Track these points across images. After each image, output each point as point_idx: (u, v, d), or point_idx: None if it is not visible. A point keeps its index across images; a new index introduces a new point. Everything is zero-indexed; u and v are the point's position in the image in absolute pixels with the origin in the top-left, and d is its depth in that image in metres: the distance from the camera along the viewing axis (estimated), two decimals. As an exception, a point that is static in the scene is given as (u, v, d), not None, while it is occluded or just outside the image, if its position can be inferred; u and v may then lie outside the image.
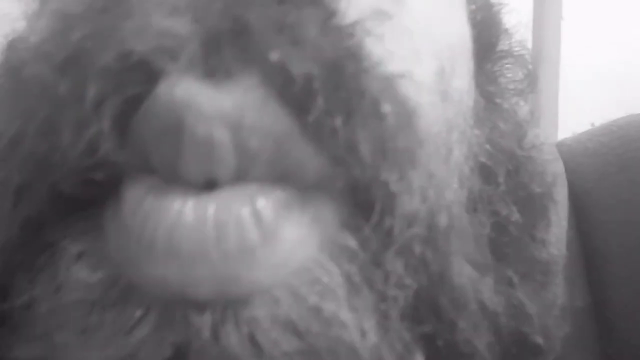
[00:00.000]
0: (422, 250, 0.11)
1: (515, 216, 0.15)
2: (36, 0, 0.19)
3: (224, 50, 0.10)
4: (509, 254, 0.14)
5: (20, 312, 0.10)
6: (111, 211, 0.10)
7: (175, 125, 0.10)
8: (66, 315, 0.10)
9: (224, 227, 0.10)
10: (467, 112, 0.14)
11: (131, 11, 0.10)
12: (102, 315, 0.10)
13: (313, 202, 0.10)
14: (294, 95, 0.10)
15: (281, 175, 0.10)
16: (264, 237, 0.10)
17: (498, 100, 0.16)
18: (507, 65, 0.17)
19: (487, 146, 0.14)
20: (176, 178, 0.10)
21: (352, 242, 0.11)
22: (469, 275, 0.13)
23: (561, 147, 0.30)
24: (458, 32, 0.15)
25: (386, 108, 0.11)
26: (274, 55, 0.09)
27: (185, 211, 0.10)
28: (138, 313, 0.10)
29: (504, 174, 0.15)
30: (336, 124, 0.10)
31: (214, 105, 0.10)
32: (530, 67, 0.18)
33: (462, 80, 0.14)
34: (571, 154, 0.29)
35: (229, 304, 0.10)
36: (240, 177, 0.10)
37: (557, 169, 0.26)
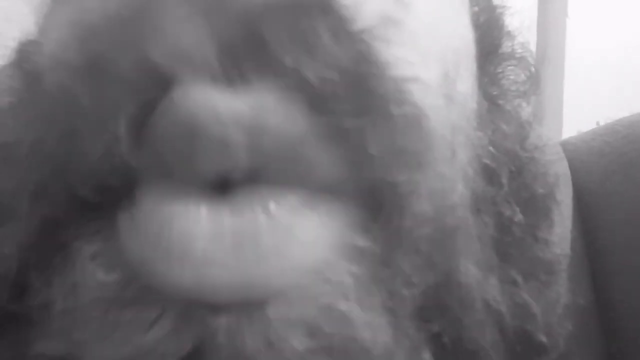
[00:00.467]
0: (430, 250, 0.12)
1: (519, 217, 0.15)
2: (45, 4, 0.19)
3: (239, 56, 0.10)
4: (512, 254, 0.15)
5: (37, 310, 0.11)
6: (126, 214, 0.11)
7: (191, 127, 0.10)
8: (83, 313, 0.10)
9: (239, 233, 0.10)
10: (470, 115, 0.14)
11: (149, 21, 0.10)
12: (118, 314, 0.10)
13: (326, 204, 0.11)
14: (307, 99, 0.10)
15: (295, 177, 0.10)
16: (278, 241, 0.10)
17: (501, 102, 0.16)
18: (509, 67, 0.18)
19: (491, 148, 0.14)
20: (191, 180, 0.10)
21: (362, 243, 0.11)
22: (474, 275, 0.13)
23: (566, 146, 0.30)
24: (462, 35, 0.15)
25: (396, 111, 0.11)
26: (288, 62, 0.10)
27: (200, 217, 0.10)
28: (154, 313, 0.10)
29: (507, 175, 0.15)
30: (348, 126, 0.10)
31: (229, 107, 0.10)
32: (532, 69, 0.18)
33: (466, 83, 0.14)
34: (576, 153, 0.29)
35: (244, 307, 0.10)
36: (255, 178, 0.10)
37: (560, 169, 0.26)
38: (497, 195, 0.14)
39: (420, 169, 0.11)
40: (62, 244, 0.11)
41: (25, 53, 0.18)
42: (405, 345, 0.11)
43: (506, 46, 0.18)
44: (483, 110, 0.15)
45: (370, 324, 0.11)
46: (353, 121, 0.10)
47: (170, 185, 0.10)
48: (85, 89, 0.10)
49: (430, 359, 0.12)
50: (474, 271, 0.13)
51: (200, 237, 0.10)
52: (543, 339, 0.14)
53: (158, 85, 0.10)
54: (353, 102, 0.10)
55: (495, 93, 0.16)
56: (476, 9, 0.16)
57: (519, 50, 0.18)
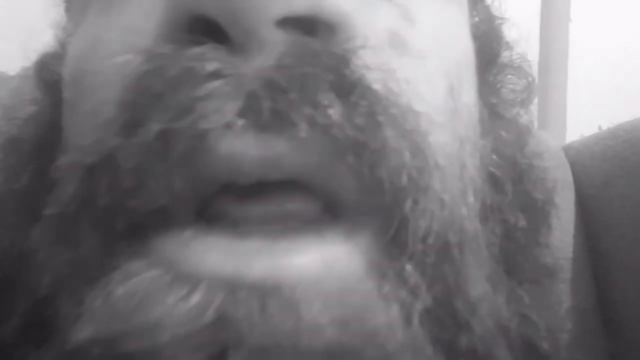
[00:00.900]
0: (438, 263, 0.13)
1: (522, 223, 0.15)
2: (63, 16, 0.20)
3: (262, 108, 0.11)
4: (516, 259, 0.15)
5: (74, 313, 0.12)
6: (159, 238, 0.12)
7: (228, 171, 0.11)
8: (118, 305, 0.11)
9: (270, 234, 0.12)
10: (475, 124, 0.15)
11: (182, 79, 0.11)
12: (154, 297, 0.11)
13: (353, 223, 0.12)
14: (327, 144, 0.11)
15: (323, 204, 0.12)
16: (303, 242, 0.12)
17: (500, 111, 0.17)
18: (508, 77, 0.18)
19: (494, 156, 0.15)
20: (231, 210, 0.12)
21: (379, 257, 0.12)
22: (482, 284, 0.14)
23: (568, 150, 0.30)
24: (464, 48, 0.15)
25: (404, 154, 0.12)
26: (303, 121, 0.11)
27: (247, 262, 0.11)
28: (186, 289, 0.11)
29: (510, 182, 0.15)
30: (365, 168, 0.12)
31: (260, 152, 0.11)
32: (530, 78, 0.19)
33: (469, 94, 0.15)
34: (578, 157, 0.29)
35: (278, 287, 0.11)
36: (288, 203, 0.12)
37: (561, 174, 0.27)
38: (502, 202, 0.15)
39: (424, 194, 0.12)
40: (107, 263, 0.12)
41: (46, 65, 0.19)
42: (416, 349, 0.12)
43: (505, 56, 0.18)
44: (484, 118, 0.16)
45: (385, 322, 0.12)
46: (365, 162, 0.12)
47: (200, 214, 0.12)
48: (131, 141, 0.12)
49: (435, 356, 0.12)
50: (482, 282, 0.14)
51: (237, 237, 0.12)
52: (545, 346, 0.15)
53: (192, 135, 0.11)
54: (363, 145, 0.12)
55: (494, 102, 0.17)
56: (476, 19, 0.17)
57: (517, 60, 0.19)
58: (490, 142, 0.15)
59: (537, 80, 0.20)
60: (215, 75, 0.11)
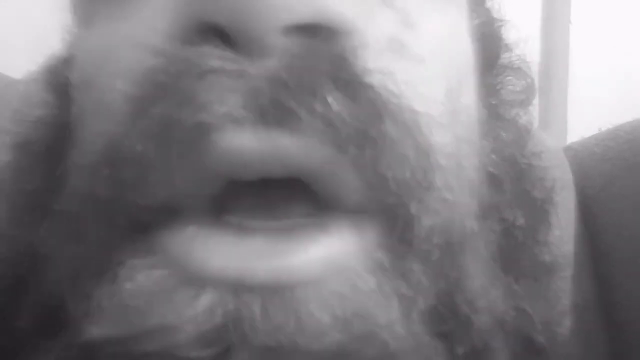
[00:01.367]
0: (440, 259, 0.13)
1: (520, 221, 0.16)
2: (74, 20, 0.20)
3: (265, 102, 0.12)
4: (514, 257, 0.15)
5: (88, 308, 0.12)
6: (169, 234, 0.12)
7: (232, 165, 0.12)
8: (128, 304, 0.12)
9: (274, 236, 0.12)
10: (474, 125, 0.15)
11: (186, 72, 0.12)
12: (161, 297, 0.12)
13: (355, 220, 0.12)
14: (331, 140, 0.12)
15: (325, 201, 0.12)
16: (305, 241, 0.12)
17: (500, 111, 0.17)
18: (507, 78, 0.19)
19: (493, 156, 0.15)
20: (232, 205, 0.12)
21: (380, 254, 0.12)
22: (481, 280, 0.14)
23: (568, 151, 0.30)
24: (463, 51, 0.16)
25: (407, 150, 0.12)
26: (307, 115, 0.12)
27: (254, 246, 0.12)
28: (194, 291, 0.12)
29: (509, 181, 0.16)
30: (365, 161, 0.12)
31: (264, 147, 0.12)
32: (529, 79, 0.19)
33: (468, 95, 0.15)
34: (578, 158, 0.29)
35: (275, 288, 0.12)
36: (290, 200, 0.12)
37: (560, 174, 0.27)
38: (501, 201, 0.15)
39: (428, 192, 0.13)
40: (113, 259, 0.12)
41: (55, 68, 0.19)
42: (417, 346, 0.12)
43: (504, 58, 0.19)
44: (484, 119, 0.16)
45: (387, 320, 0.12)
46: (371, 161, 0.12)
47: (203, 211, 0.12)
48: (151, 143, 0.12)
49: (442, 355, 0.13)
50: (480, 277, 0.14)
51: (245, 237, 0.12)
52: (541, 339, 0.15)
53: (199, 136, 0.12)
54: (370, 147, 0.12)
55: (494, 103, 0.17)
56: (476, 22, 0.17)
57: (517, 61, 0.19)
58: (490, 142, 0.16)
59: (538, 82, 0.20)
60: (219, 70, 0.12)
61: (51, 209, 0.14)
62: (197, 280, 0.12)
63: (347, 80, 0.12)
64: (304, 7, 0.12)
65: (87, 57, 0.15)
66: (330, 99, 0.12)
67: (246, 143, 0.12)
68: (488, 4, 0.19)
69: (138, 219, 0.12)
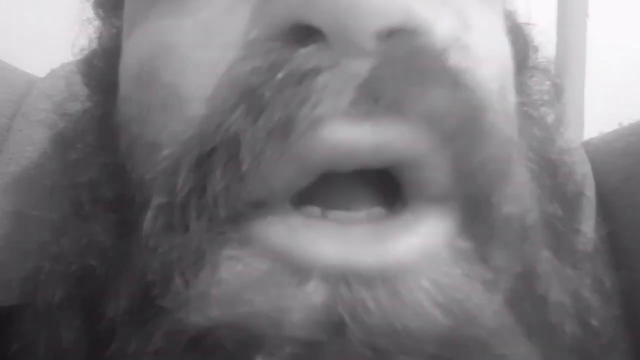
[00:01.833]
0: (518, 245, 0.14)
1: (559, 213, 0.16)
2: (98, 17, 0.21)
3: (369, 99, 0.12)
4: (559, 247, 0.16)
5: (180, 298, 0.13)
6: (260, 224, 0.13)
7: (339, 157, 0.12)
8: (234, 293, 0.12)
9: (378, 226, 0.13)
10: (516, 124, 0.16)
11: (298, 73, 0.12)
12: (269, 285, 0.12)
13: (438, 210, 0.13)
14: (426, 138, 0.12)
15: (414, 190, 0.13)
16: (402, 234, 0.13)
17: (529, 110, 0.18)
18: (534, 78, 0.19)
19: (530, 153, 0.16)
20: (338, 198, 0.13)
21: (463, 242, 0.13)
22: (552, 264, 0.15)
23: (587, 147, 0.30)
24: (507, 52, 0.16)
25: (497, 144, 0.13)
26: (414, 112, 0.12)
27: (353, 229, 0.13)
28: (300, 278, 0.12)
29: (545, 177, 0.16)
30: (461, 159, 0.13)
31: (370, 140, 0.12)
32: (554, 79, 0.20)
33: (512, 95, 0.16)
34: (598, 153, 0.30)
35: (385, 277, 0.12)
36: (387, 193, 0.13)
37: (584, 169, 0.27)
38: (541, 195, 0.16)
39: (507, 182, 0.13)
40: (198, 251, 0.13)
41: (91, 62, 0.20)
42: (504, 325, 0.13)
43: (532, 59, 0.19)
44: (519, 118, 0.16)
45: (478, 305, 0.13)
46: (459, 145, 0.13)
47: (302, 202, 0.13)
48: (247, 134, 0.12)
49: (521, 333, 0.13)
50: (551, 260, 0.15)
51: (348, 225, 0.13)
52: (595, 322, 0.16)
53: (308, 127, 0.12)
54: (464, 142, 0.13)
55: (524, 101, 0.18)
56: (508, 24, 0.18)
57: (543, 62, 0.19)
58: (526, 140, 0.16)
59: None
60: (326, 69, 0.12)
61: (108, 201, 0.15)
62: (302, 269, 0.12)
63: (448, 76, 0.13)
64: (397, 11, 0.12)
65: (141, 51, 0.16)
66: (433, 93, 0.12)
67: (350, 136, 0.12)
68: (511, 7, 0.20)
69: (235, 210, 0.13)
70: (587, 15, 0.73)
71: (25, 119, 0.26)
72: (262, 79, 0.12)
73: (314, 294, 0.12)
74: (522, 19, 0.20)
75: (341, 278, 0.12)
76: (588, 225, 0.25)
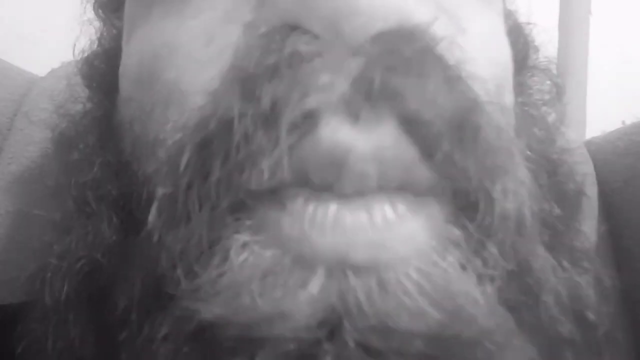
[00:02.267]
0: (513, 240, 0.14)
1: (557, 212, 0.16)
2: (99, 19, 0.21)
3: (370, 104, 0.12)
4: (557, 245, 0.16)
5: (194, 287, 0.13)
6: (274, 212, 0.13)
7: (338, 160, 0.12)
8: (240, 285, 0.12)
9: (372, 217, 0.13)
10: (513, 124, 0.16)
11: (292, 58, 0.12)
12: (275, 279, 0.12)
13: (426, 205, 0.13)
14: (420, 136, 0.13)
15: (405, 185, 0.13)
16: (394, 225, 0.13)
17: (529, 110, 0.18)
18: (534, 78, 0.19)
19: (529, 152, 0.16)
20: (332, 193, 0.13)
21: (456, 234, 0.13)
22: (547, 259, 0.15)
23: (590, 146, 0.30)
24: (505, 52, 0.17)
25: (492, 140, 0.13)
26: (409, 108, 0.12)
27: (346, 208, 0.13)
28: (307, 272, 0.12)
29: (544, 176, 0.16)
30: (454, 156, 0.13)
31: (365, 145, 0.12)
32: (555, 79, 0.20)
33: (510, 95, 0.16)
34: (600, 152, 0.30)
35: (377, 268, 0.12)
36: (381, 189, 0.13)
37: (586, 169, 0.27)
38: (540, 194, 0.16)
39: (506, 176, 0.13)
40: (218, 237, 0.13)
41: (91, 64, 0.20)
42: (498, 319, 0.13)
43: (532, 59, 0.19)
44: (518, 117, 0.16)
45: (470, 298, 0.13)
46: (458, 153, 0.13)
47: (312, 193, 0.13)
48: (260, 130, 0.12)
49: (515, 328, 0.13)
50: (545, 256, 0.15)
51: (346, 216, 0.13)
52: (592, 316, 0.16)
53: (308, 123, 0.12)
54: (457, 138, 0.13)
55: (524, 101, 0.18)
56: (509, 23, 0.18)
57: (543, 62, 0.20)
58: (525, 139, 0.16)
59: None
60: (321, 55, 0.12)
61: (114, 197, 0.15)
62: (309, 262, 0.12)
63: (446, 73, 0.13)
64: (392, 16, 0.12)
65: (142, 52, 0.16)
66: (427, 93, 0.12)
67: (344, 138, 0.12)
68: (512, 7, 0.20)
69: (239, 196, 0.13)
70: (590, 13, 0.73)
71: (26, 119, 0.26)
72: (257, 63, 0.12)
73: (318, 293, 0.12)
74: (523, 18, 0.20)
75: (341, 273, 0.12)
76: (588, 225, 0.25)
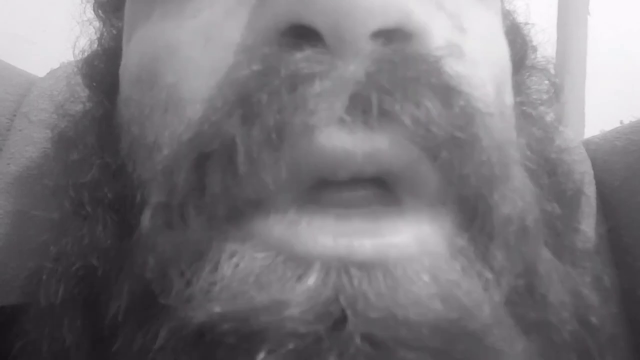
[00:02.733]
0: (517, 244, 0.14)
1: (557, 212, 0.16)
2: (99, 20, 0.21)
3: (363, 109, 0.12)
4: (560, 246, 0.16)
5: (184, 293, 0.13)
6: (261, 221, 0.13)
7: (335, 162, 0.12)
8: (235, 287, 0.12)
9: (376, 222, 0.13)
10: (513, 124, 0.16)
11: (295, 79, 0.12)
12: (269, 276, 0.12)
13: (433, 210, 0.13)
14: (419, 142, 0.13)
15: (410, 190, 0.13)
16: (392, 226, 0.13)
17: (528, 110, 0.18)
18: (532, 78, 0.19)
19: (528, 152, 0.16)
20: (330, 199, 0.13)
21: (463, 241, 0.13)
22: (552, 262, 0.15)
23: (589, 145, 0.30)
24: (505, 54, 0.17)
25: (490, 150, 0.13)
26: (402, 114, 0.12)
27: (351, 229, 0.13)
28: (302, 269, 0.12)
29: (545, 175, 0.16)
30: (454, 162, 0.13)
31: (362, 147, 0.12)
32: (553, 79, 0.20)
33: (509, 95, 0.16)
34: (599, 151, 0.30)
35: (385, 264, 0.12)
36: (383, 195, 0.13)
37: (584, 168, 0.27)
38: (540, 194, 0.16)
39: (505, 184, 0.14)
40: (197, 248, 0.13)
41: (91, 64, 0.20)
42: (500, 322, 0.13)
43: (530, 59, 0.19)
44: (517, 117, 0.16)
45: (474, 299, 0.13)
46: (456, 160, 0.13)
47: (301, 200, 0.13)
48: (252, 132, 0.12)
49: (519, 332, 0.13)
50: (547, 260, 0.15)
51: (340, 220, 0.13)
52: (594, 320, 0.16)
53: (302, 132, 0.12)
54: (457, 147, 0.13)
55: (522, 101, 0.18)
56: (507, 23, 0.18)
57: (541, 62, 0.20)
58: (524, 139, 0.16)
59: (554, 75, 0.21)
60: (322, 75, 0.12)
61: (110, 199, 0.15)
62: (303, 259, 0.12)
63: (442, 84, 0.13)
64: (393, 12, 0.12)
65: (141, 54, 0.16)
66: (427, 103, 0.12)
67: (343, 144, 0.12)
68: (510, 7, 0.20)
69: (235, 207, 0.13)
70: (588, 13, 0.73)
71: (25, 119, 0.26)
72: (258, 84, 0.13)
73: (315, 285, 0.12)
74: (521, 18, 0.20)
75: (342, 269, 0.12)
76: (588, 224, 0.25)
